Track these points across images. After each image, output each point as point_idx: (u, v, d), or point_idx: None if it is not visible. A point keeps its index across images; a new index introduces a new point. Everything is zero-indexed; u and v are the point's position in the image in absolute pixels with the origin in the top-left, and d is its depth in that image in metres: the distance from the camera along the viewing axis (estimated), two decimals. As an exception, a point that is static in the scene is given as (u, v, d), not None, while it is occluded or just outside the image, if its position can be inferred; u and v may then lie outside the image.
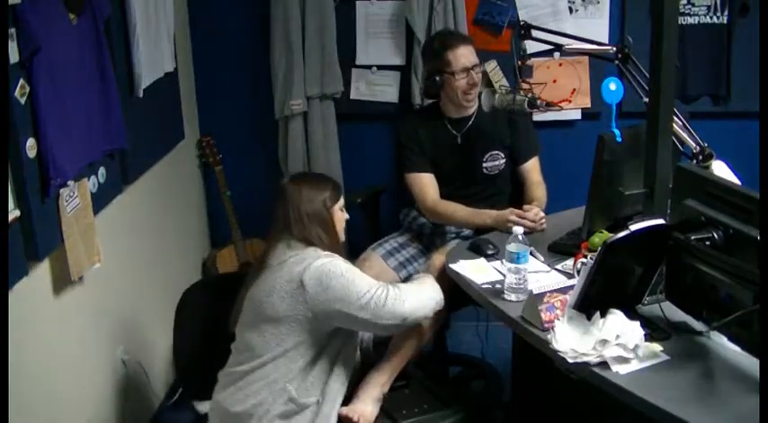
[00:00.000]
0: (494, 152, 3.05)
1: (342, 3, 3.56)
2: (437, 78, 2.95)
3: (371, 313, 2.17)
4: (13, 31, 2.05)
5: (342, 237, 2.38)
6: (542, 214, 2.74)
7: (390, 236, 3.17)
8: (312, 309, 2.18)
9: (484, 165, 3.05)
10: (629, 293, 2.06)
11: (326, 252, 2.25)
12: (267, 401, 2.22)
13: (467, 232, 3.03)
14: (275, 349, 2.22)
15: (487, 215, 2.83)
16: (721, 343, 1.91)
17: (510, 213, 2.72)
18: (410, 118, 3.28)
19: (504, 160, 3.07)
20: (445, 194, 3.03)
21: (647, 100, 2.27)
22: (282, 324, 2.20)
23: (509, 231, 2.34)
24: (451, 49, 2.91)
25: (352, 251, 3.70)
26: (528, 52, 2.83)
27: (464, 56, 2.91)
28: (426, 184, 3.02)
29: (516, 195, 3.23)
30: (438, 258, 2.63)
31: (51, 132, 2.21)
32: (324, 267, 2.18)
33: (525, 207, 2.76)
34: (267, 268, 2.25)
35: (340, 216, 2.36)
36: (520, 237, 2.23)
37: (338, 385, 2.29)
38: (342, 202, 2.37)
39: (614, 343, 1.86)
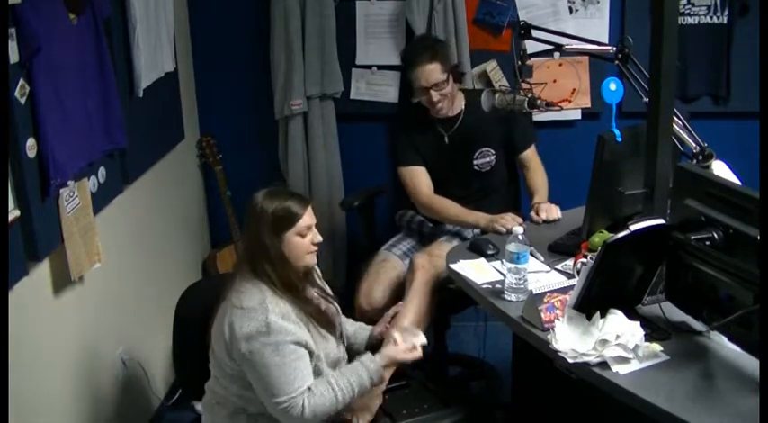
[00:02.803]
0: (483, 149, 3.06)
1: (342, 3, 3.56)
2: (408, 88, 3.03)
3: (279, 414, 2.09)
4: (13, 31, 2.05)
5: (302, 262, 2.18)
6: (550, 209, 2.79)
7: (396, 238, 3.18)
8: (240, 366, 2.11)
9: (474, 162, 3.06)
10: (629, 293, 2.06)
11: (278, 322, 2.06)
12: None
13: (466, 232, 3.03)
14: (229, 387, 2.18)
15: (481, 216, 2.83)
16: (721, 343, 1.91)
17: (500, 218, 2.74)
18: (403, 117, 3.32)
19: (494, 157, 3.07)
20: (438, 195, 3.03)
21: (647, 100, 2.27)
22: (227, 366, 2.15)
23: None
24: (413, 67, 2.93)
25: (353, 252, 3.72)
26: (528, 52, 2.83)
27: (422, 76, 2.91)
28: (419, 178, 3.03)
29: (515, 192, 3.24)
30: (419, 258, 2.65)
31: (51, 132, 2.22)
32: (263, 350, 2.04)
33: (531, 215, 2.82)
34: (224, 304, 2.15)
35: (296, 242, 2.13)
36: (520, 237, 2.24)
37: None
38: (302, 224, 2.13)
39: (614, 343, 1.86)
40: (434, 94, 2.92)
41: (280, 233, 2.12)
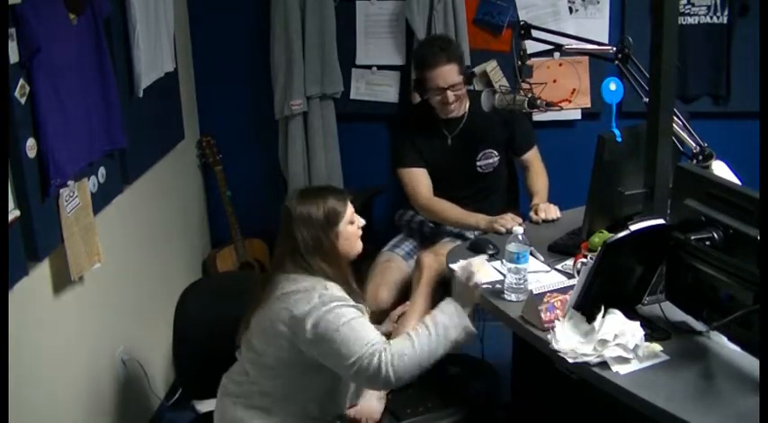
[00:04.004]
0: (487, 151, 3.06)
1: (342, 3, 3.56)
2: (418, 86, 3.01)
3: (356, 377, 2.06)
4: (13, 31, 2.05)
5: (354, 250, 2.22)
6: (549, 209, 2.79)
7: (398, 239, 3.18)
8: (308, 352, 2.08)
9: (478, 163, 3.06)
10: (629, 293, 2.06)
11: (336, 293, 2.08)
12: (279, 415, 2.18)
13: (468, 233, 3.03)
14: (278, 382, 2.15)
15: (481, 217, 2.83)
16: (721, 343, 1.91)
17: (500, 218, 2.74)
18: (405, 117, 3.32)
19: (497, 158, 3.08)
20: (439, 196, 3.03)
21: (647, 100, 2.27)
22: (285, 358, 2.11)
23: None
24: (429, 68, 2.93)
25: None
26: (528, 52, 2.83)
27: (440, 76, 2.91)
28: (419, 180, 3.03)
29: (515, 190, 3.24)
30: (426, 257, 2.64)
31: (51, 132, 2.22)
32: (326, 316, 2.02)
33: (531, 215, 2.81)
34: (273, 296, 2.11)
35: (350, 231, 2.18)
36: (520, 237, 2.24)
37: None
38: (349, 213, 2.19)
39: (614, 343, 1.86)
40: (450, 95, 2.93)
41: (334, 227, 2.14)
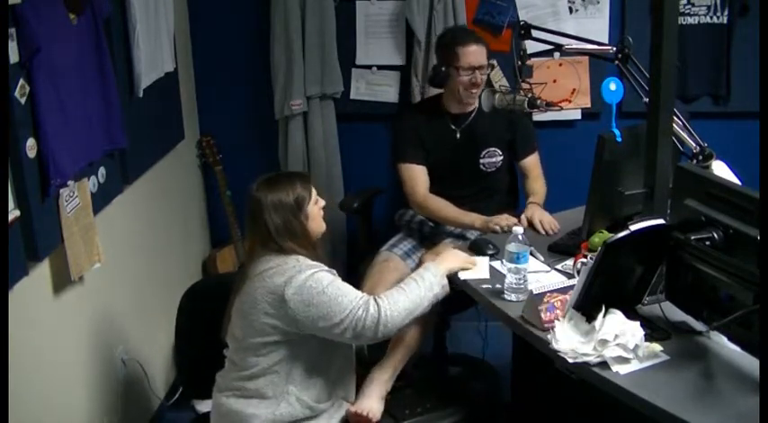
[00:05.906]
0: (491, 149, 3.06)
1: (342, 3, 3.56)
2: (443, 69, 2.96)
3: (351, 333, 2.12)
4: (13, 31, 2.05)
5: (320, 229, 2.29)
6: (551, 222, 2.75)
7: (397, 238, 3.17)
8: (296, 323, 2.13)
9: (481, 161, 3.05)
10: (629, 293, 2.06)
11: (309, 262, 2.17)
12: (273, 405, 2.20)
13: (469, 234, 3.03)
14: (265, 363, 2.18)
15: (476, 217, 2.83)
16: (721, 343, 1.91)
17: (496, 218, 2.73)
18: (411, 110, 3.31)
19: (501, 157, 3.07)
20: (439, 192, 3.02)
21: (647, 100, 2.27)
22: (270, 336, 2.15)
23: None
24: (463, 44, 2.92)
25: (353, 253, 3.71)
26: (528, 52, 2.83)
27: (473, 54, 2.91)
28: (418, 177, 3.02)
29: (515, 192, 3.24)
30: (429, 257, 2.64)
31: (51, 132, 2.22)
32: (306, 283, 2.10)
33: (523, 218, 2.79)
34: (248, 279, 2.18)
35: (315, 212, 2.26)
36: (520, 237, 2.24)
37: (345, 390, 2.30)
38: (314, 195, 2.26)
39: (614, 343, 1.86)
40: (479, 76, 2.91)
41: (302, 209, 2.22)
